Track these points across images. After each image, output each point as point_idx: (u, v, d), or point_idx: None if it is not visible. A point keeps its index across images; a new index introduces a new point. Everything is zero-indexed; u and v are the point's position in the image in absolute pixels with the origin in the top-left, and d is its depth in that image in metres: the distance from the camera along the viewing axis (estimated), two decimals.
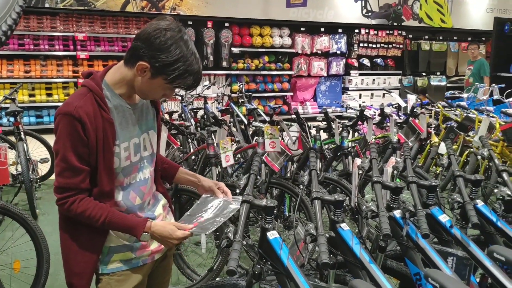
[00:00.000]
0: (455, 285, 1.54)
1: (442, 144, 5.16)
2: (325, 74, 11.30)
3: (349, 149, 4.12)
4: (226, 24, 9.95)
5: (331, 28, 11.22)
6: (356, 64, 11.65)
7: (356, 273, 2.04)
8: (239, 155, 4.60)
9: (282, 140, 3.76)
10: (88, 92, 1.67)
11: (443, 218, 2.30)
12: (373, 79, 11.84)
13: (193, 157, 4.49)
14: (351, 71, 11.62)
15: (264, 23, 10.40)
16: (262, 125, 4.21)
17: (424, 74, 12.62)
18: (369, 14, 11.58)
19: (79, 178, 1.67)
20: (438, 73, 12.77)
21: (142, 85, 1.69)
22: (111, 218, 1.70)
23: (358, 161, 2.45)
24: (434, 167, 5.71)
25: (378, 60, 11.89)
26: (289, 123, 4.28)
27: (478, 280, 2.34)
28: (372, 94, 11.71)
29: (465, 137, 5.49)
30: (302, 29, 10.87)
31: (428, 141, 5.82)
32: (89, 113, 1.63)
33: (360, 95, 11.46)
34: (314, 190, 2.12)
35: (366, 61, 11.76)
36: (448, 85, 12.58)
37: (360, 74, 11.70)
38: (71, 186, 1.67)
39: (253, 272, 1.98)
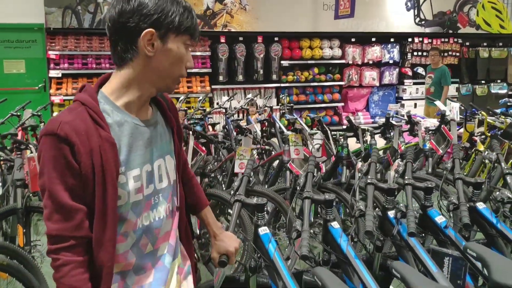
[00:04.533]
0: (415, 278, 1.62)
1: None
2: (377, 84, 11.20)
3: None
4: (276, 38, 10.17)
5: (383, 38, 11.15)
6: (410, 73, 11.45)
7: (344, 268, 2.15)
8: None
9: (307, 148, 3.89)
10: (80, 106, 1.29)
11: (439, 219, 2.35)
12: None
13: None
14: (405, 80, 11.45)
15: (313, 36, 10.52)
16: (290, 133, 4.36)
17: (483, 82, 12.16)
18: (423, 22, 11.40)
19: (74, 223, 1.25)
20: (499, 81, 12.27)
21: (161, 62, 1.32)
22: None
23: (359, 164, 2.57)
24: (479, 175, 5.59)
25: None
26: (314, 131, 4.40)
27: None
28: None
29: (510, 145, 5.34)
30: (353, 39, 10.88)
31: (473, 150, 5.70)
32: (80, 130, 1.24)
33: (415, 104, 11.25)
34: (306, 190, 2.26)
35: (420, 70, 11.53)
36: (510, 92, 12.06)
37: (415, 83, 11.49)
38: (63, 233, 1.24)
39: (249, 265, 2.15)
